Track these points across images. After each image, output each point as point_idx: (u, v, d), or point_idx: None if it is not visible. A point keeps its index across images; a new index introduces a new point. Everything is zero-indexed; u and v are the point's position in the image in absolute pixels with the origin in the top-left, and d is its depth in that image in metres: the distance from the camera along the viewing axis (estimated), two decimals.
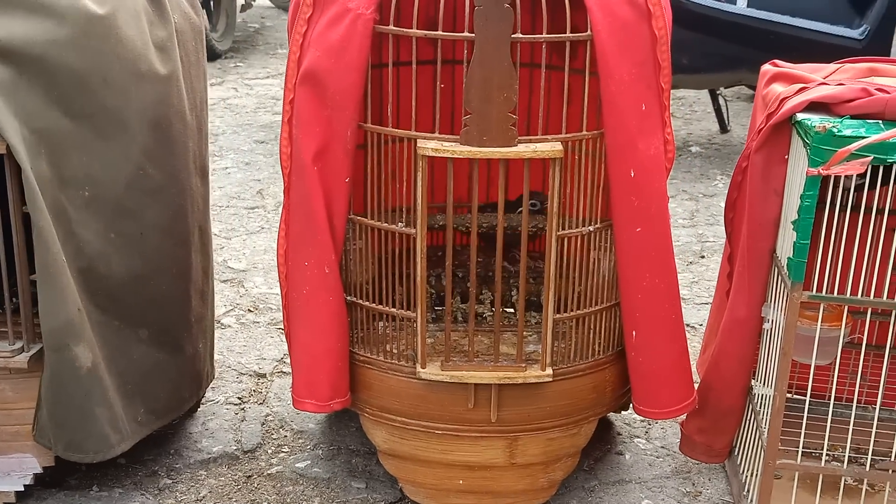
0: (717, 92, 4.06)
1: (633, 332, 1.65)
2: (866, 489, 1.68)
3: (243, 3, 5.68)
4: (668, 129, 1.61)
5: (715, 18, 3.55)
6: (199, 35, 1.75)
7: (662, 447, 1.97)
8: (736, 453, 1.81)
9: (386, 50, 1.59)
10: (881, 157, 1.38)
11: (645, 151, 1.56)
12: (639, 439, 2.00)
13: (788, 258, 1.50)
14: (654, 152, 1.58)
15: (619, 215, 1.59)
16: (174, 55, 1.64)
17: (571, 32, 1.49)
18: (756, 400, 1.72)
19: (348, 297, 1.66)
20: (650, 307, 1.63)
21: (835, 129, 1.40)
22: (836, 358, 1.58)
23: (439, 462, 1.68)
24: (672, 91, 5.38)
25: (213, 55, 5.23)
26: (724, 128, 4.21)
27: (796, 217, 1.47)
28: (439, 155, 1.49)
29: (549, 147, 1.50)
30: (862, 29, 3.43)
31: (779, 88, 1.63)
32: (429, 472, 1.70)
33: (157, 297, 1.68)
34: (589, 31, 1.49)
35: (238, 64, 5.31)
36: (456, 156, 1.49)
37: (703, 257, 2.95)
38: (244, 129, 4.10)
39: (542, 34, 1.48)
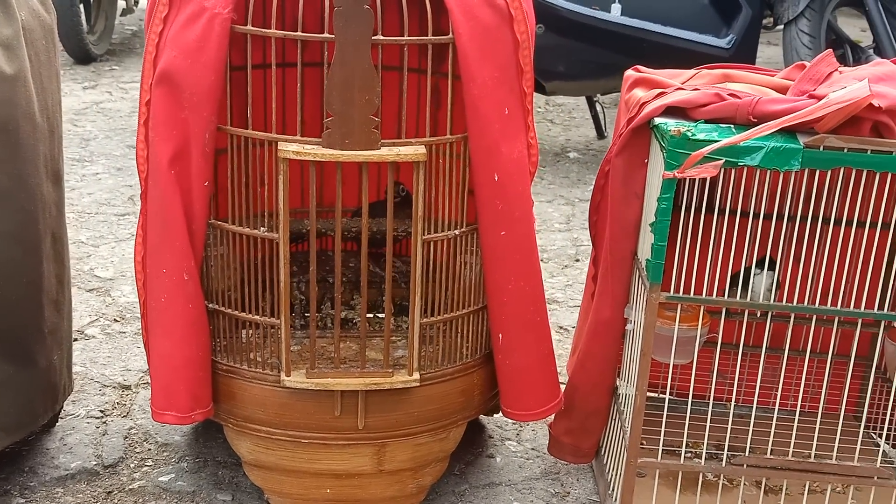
0: (595, 98, 4.14)
1: (500, 335, 1.66)
2: (724, 484, 1.73)
3: (125, 6, 5.50)
4: (531, 132, 1.62)
5: (590, 26, 3.62)
6: (50, 33, 1.68)
7: (533, 449, 1.98)
8: (603, 453, 1.84)
9: (255, 51, 1.55)
10: (732, 160, 1.42)
11: (508, 155, 1.57)
12: (510, 442, 2.01)
13: (647, 260, 1.53)
14: (518, 156, 1.59)
15: (484, 219, 1.59)
16: (21, 54, 1.56)
17: (437, 35, 1.49)
18: (621, 400, 1.75)
19: (210, 305, 1.61)
20: (516, 310, 1.64)
21: (689, 133, 1.44)
22: (694, 357, 1.62)
23: (306, 471, 1.65)
24: (551, 98, 5.47)
25: (88, 58, 5.06)
26: (601, 134, 4.29)
27: (654, 219, 1.49)
28: (301, 158, 1.46)
29: (412, 150, 1.49)
30: (729, 38, 3.55)
31: (640, 93, 1.66)
32: (296, 481, 1.67)
33: (5, 307, 1.60)
34: (451, 35, 1.49)
35: (113, 67, 5.15)
36: (318, 159, 1.46)
37: (577, 261, 2.99)
38: (117, 134, 3.97)
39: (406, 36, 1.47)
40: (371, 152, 1.47)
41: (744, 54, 3.50)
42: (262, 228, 1.55)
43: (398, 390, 1.61)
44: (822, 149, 1.41)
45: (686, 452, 1.64)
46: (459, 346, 1.68)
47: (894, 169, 1.41)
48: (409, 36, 1.47)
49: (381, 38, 1.45)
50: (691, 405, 1.58)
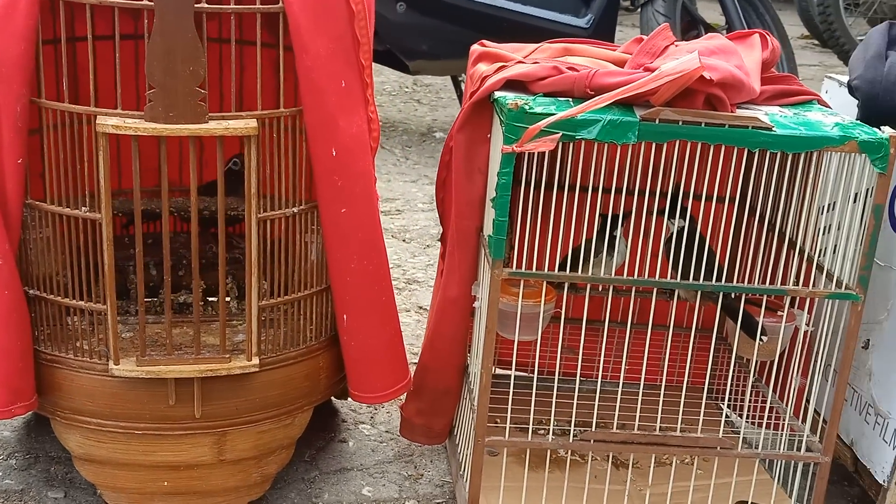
0: (459, 78, 4.13)
1: (345, 316, 1.61)
2: (575, 459, 1.73)
3: None
4: (371, 107, 1.57)
5: (451, 4, 3.60)
6: None
7: (387, 432, 1.94)
8: (455, 433, 1.81)
9: (80, 22, 1.45)
10: (570, 133, 1.40)
11: (347, 130, 1.51)
12: (364, 425, 1.97)
13: (489, 236, 1.51)
14: (357, 131, 1.54)
15: (323, 196, 1.54)
16: None
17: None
18: (471, 379, 1.72)
19: (31, 291, 1.51)
20: (359, 290, 1.59)
21: (527, 107, 1.41)
22: (539, 333, 1.61)
23: (141, 464, 1.57)
24: (418, 78, 5.44)
25: None
26: None
27: (495, 195, 1.47)
28: (121, 132, 1.37)
29: (242, 124, 1.42)
30: (588, 18, 3.58)
31: (483, 67, 1.63)
32: (130, 475, 1.58)
33: None
34: (280, 4, 1.43)
35: None
36: (140, 133, 1.38)
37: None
38: None
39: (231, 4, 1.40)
40: (197, 126, 1.39)
41: (602, 33, 3.53)
42: (83, 209, 1.46)
43: (237, 376, 1.54)
44: (657, 122, 1.40)
45: (539, 429, 1.63)
46: (303, 328, 1.63)
47: (728, 142, 1.42)
48: (236, 3, 1.40)
49: (205, 5, 1.37)
50: (554, 382, 1.56)
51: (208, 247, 1.74)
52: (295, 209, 1.55)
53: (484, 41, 1.76)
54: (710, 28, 3.87)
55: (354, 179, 1.54)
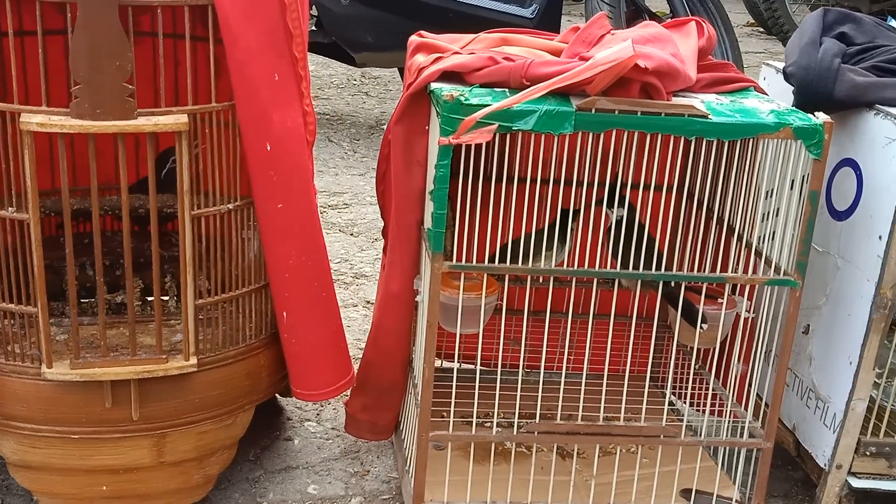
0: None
1: (284, 313, 1.59)
2: (522, 451, 1.72)
3: None
4: (306, 100, 1.55)
5: None
6: None
7: (333, 429, 1.92)
8: (401, 428, 1.80)
9: (4, 16, 1.41)
10: (506, 124, 1.39)
11: (281, 124, 1.49)
12: (310, 423, 1.95)
13: (428, 229, 1.49)
14: (292, 124, 1.51)
15: (258, 191, 1.51)
16: None
17: None
18: (415, 373, 1.71)
19: None
20: (299, 286, 1.57)
21: (462, 98, 1.40)
22: (481, 326, 1.60)
23: (79, 469, 1.53)
24: (367, 70, 5.37)
25: None
26: None
27: (433, 187, 1.45)
28: (46, 130, 1.34)
29: (172, 120, 1.39)
30: (533, 8, 3.58)
31: (420, 59, 1.61)
32: (68, 480, 1.54)
33: None
34: None
35: None
36: (66, 131, 1.34)
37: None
38: None
39: None
40: (126, 122, 1.36)
41: (548, 24, 3.53)
42: (10, 209, 1.42)
43: (175, 377, 1.51)
44: (593, 111, 1.40)
45: (486, 422, 1.61)
46: (242, 326, 1.60)
47: (664, 130, 1.42)
48: None
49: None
50: (498, 374, 1.56)
51: (147, 245, 1.71)
52: (230, 205, 1.52)
53: (422, 32, 1.74)
54: (654, 16, 3.88)
55: (290, 174, 1.52)
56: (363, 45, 3.62)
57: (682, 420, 1.68)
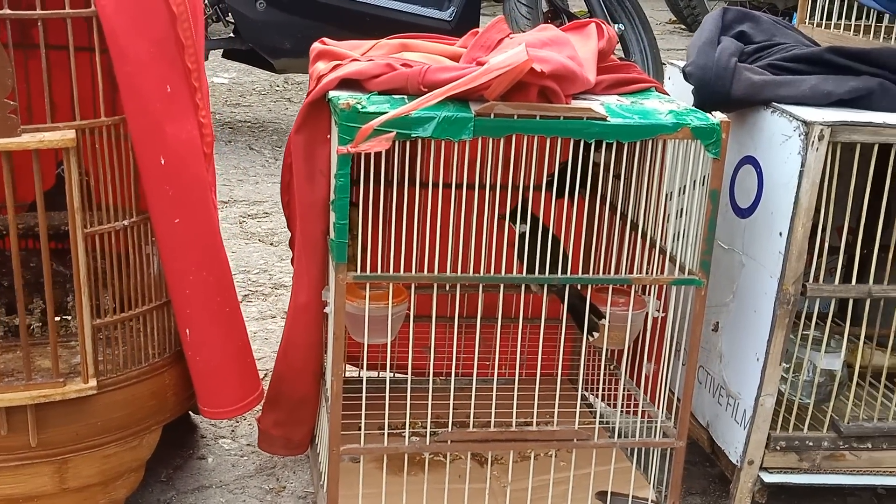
0: None
1: (187, 330, 1.55)
2: (438, 459, 1.71)
3: None
4: (202, 111, 1.51)
5: (313, 2, 3.53)
6: None
7: (248, 445, 1.89)
8: (316, 442, 1.77)
9: None
10: (404, 132, 1.37)
11: (175, 136, 1.45)
12: (224, 440, 1.90)
13: (331, 239, 1.47)
14: (187, 137, 1.48)
15: (154, 206, 1.47)
16: None
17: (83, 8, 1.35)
18: (327, 385, 1.68)
19: None
20: (201, 302, 1.54)
21: (359, 106, 1.38)
22: (389, 335, 1.57)
23: None
24: (289, 76, 5.28)
25: None
26: None
27: (333, 197, 1.43)
28: None
29: (59, 136, 1.34)
30: (450, 11, 3.57)
31: (321, 66, 1.59)
32: None
33: None
34: (93, 7, 1.35)
35: None
36: None
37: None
38: None
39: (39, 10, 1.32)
40: (9, 140, 1.31)
41: (466, 26, 3.51)
42: None
43: (75, 400, 1.47)
44: (493, 116, 1.39)
45: (401, 432, 1.59)
46: (145, 345, 1.56)
47: (563, 133, 1.41)
48: (44, 10, 1.32)
49: (9, 11, 1.29)
50: (407, 384, 1.54)
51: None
52: (126, 222, 1.48)
53: (324, 39, 1.71)
54: (572, 17, 3.90)
55: (188, 188, 1.48)
56: (281, 51, 3.58)
57: (598, 421, 1.68)
